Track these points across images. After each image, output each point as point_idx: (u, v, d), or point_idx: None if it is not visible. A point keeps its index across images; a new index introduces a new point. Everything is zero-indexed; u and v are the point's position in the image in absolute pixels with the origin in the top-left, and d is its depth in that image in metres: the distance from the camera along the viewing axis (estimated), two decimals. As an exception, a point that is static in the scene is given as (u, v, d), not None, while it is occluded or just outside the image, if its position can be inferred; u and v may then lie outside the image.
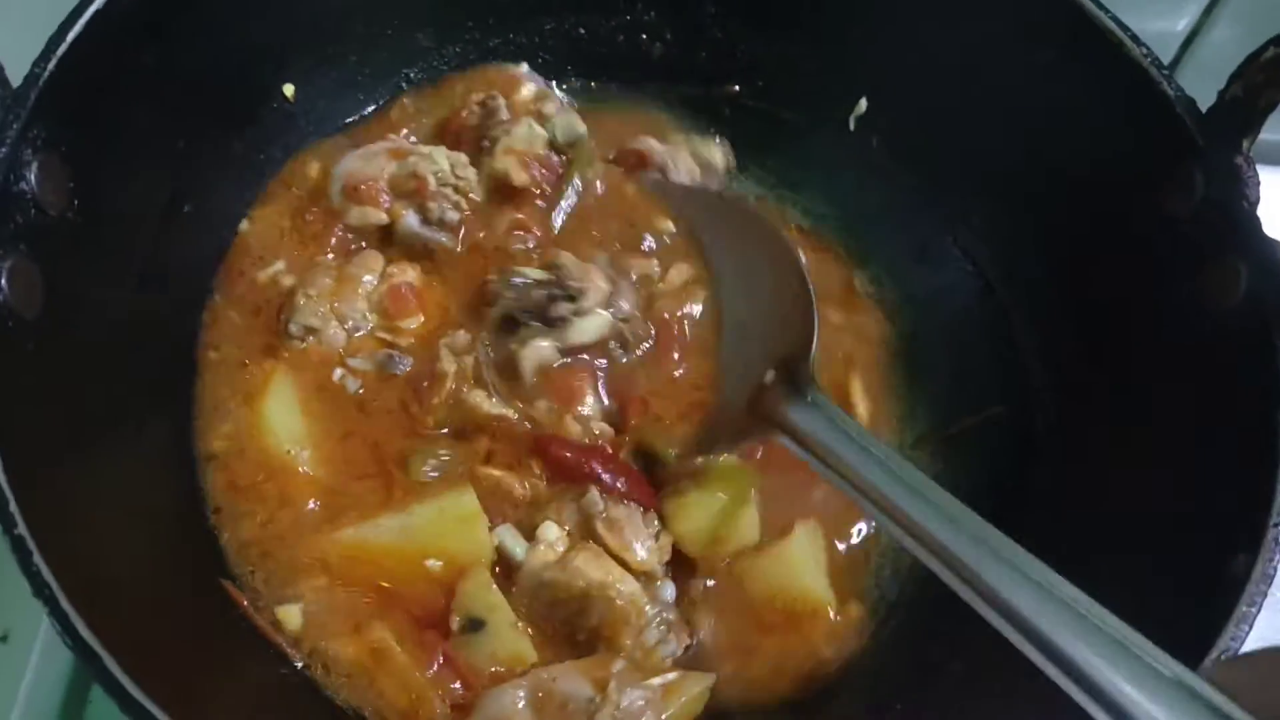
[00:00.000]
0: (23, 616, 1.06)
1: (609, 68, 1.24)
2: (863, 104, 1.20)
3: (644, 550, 0.91)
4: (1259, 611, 0.72)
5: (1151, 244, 0.94)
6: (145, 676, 0.63)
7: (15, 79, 0.79)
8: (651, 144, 1.14)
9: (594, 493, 0.93)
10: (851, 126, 1.21)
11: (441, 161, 1.04)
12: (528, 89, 1.15)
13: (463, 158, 1.07)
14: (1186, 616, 0.74)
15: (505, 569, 0.92)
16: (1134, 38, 0.95)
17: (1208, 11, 1.38)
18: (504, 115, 1.10)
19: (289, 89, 1.09)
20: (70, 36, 0.82)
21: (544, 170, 1.09)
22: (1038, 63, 1.03)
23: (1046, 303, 1.07)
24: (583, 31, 1.21)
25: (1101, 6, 0.97)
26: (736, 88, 1.24)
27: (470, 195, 1.07)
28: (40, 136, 0.78)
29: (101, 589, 0.67)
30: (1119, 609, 0.81)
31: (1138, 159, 0.96)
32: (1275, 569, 0.74)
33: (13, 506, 0.65)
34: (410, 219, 1.04)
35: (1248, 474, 0.78)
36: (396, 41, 1.16)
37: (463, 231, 1.07)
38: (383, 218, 1.03)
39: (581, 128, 1.12)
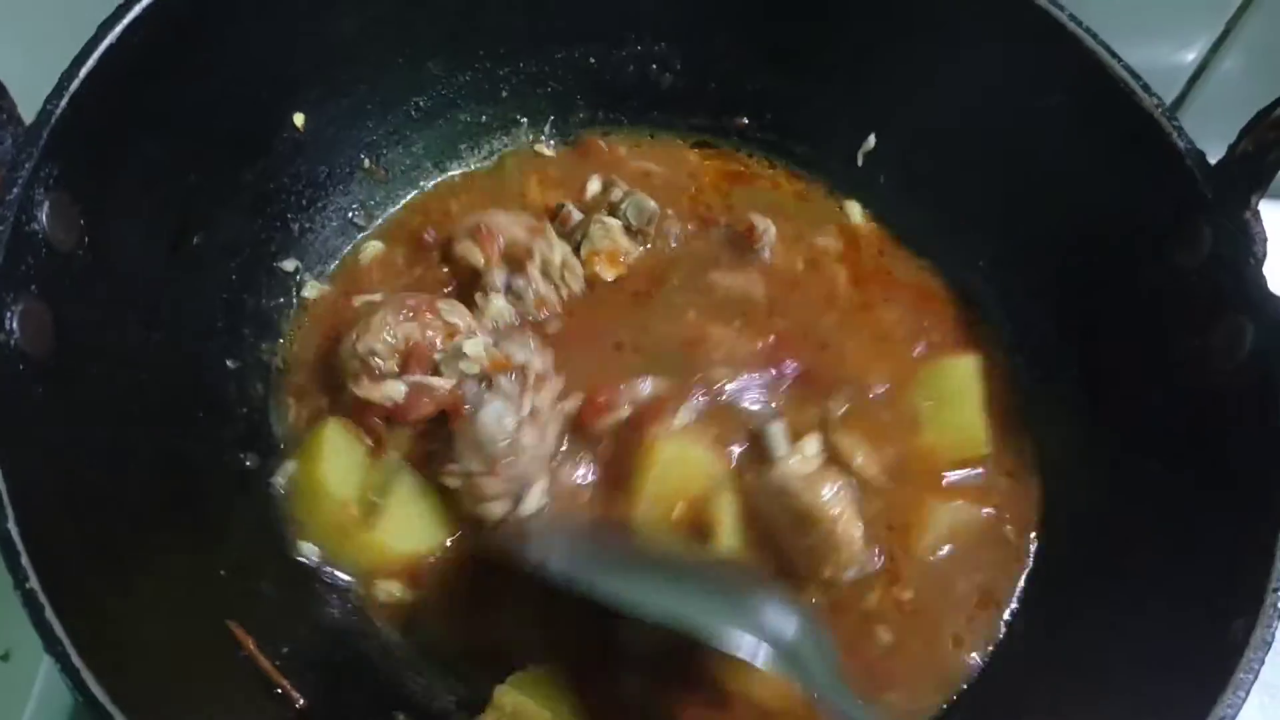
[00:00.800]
0: (25, 635, 1.05)
1: (618, 98, 1.23)
2: (871, 140, 1.20)
3: (864, 458, 1.01)
4: (1255, 678, 0.73)
5: (1158, 296, 0.95)
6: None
7: (26, 115, 0.79)
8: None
9: (840, 398, 1.05)
10: (860, 162, 1.21)
11: (555, 255, 1.08)
12: (593, 185, 1.18)
13: (578, 268, 1.10)
14: (1184, 682, 0.74)
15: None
16: (1145, 87, 0.95)
17: (1217, 45, 1.37)
18: (576, 218, 1.13)
19: (299, 118, 1.08)
20: (83, 72, 0.81)
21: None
22: (1047, 107, 1.03)
23: (1051, 351, 1.07)
24: (593, 61, 1.21)
25: (1113, 54, 0.97)
26: (745, 120, 1.24)
27: (563, 295, 1.10)
28: (52, 175, 0.77)
29: (111, 641, 0.67)
30: (1116, 672, 0.84)
31: (1145, 209, 0.96)
32: (1274, 634, 0.74)
33: (24, 560, 0.65)
34: (498, 276, 1.07)
35: (1247, 536, 0.78)
36: (406, 70, 1.15)
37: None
38: (479, 260, 1.08)
39: (652, 204, 1.14)
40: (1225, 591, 0.77)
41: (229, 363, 1.02)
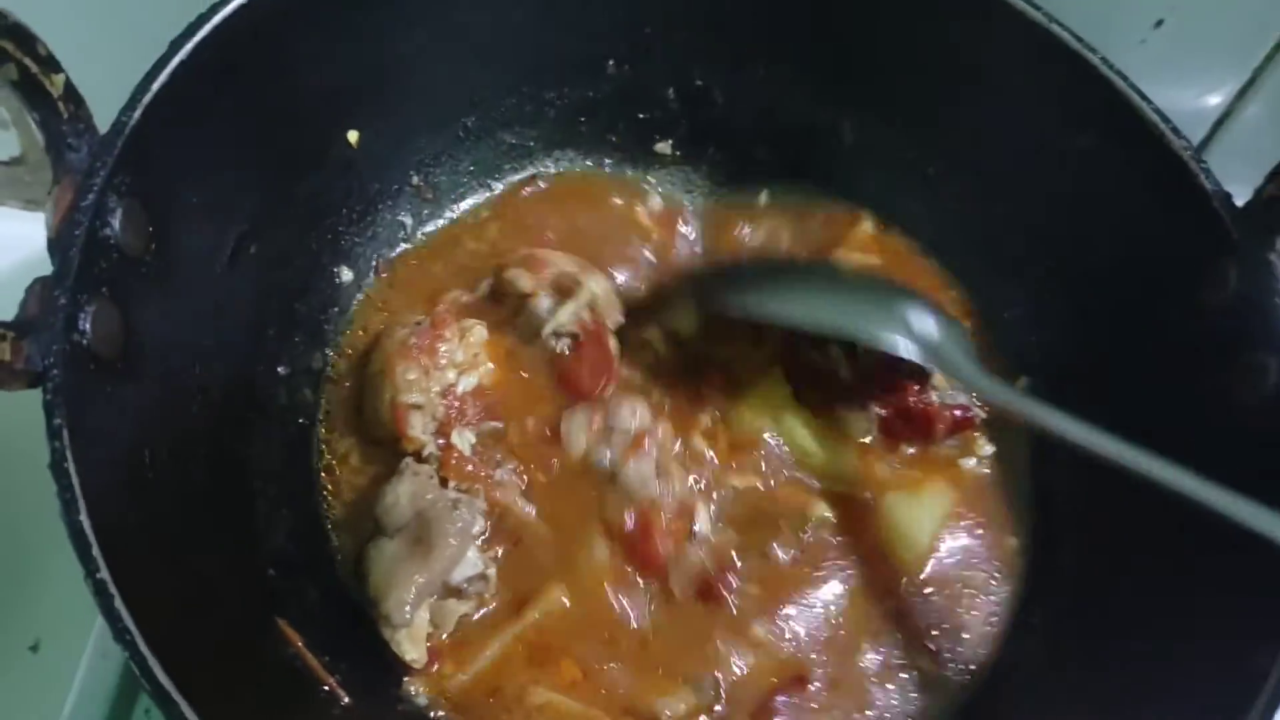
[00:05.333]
0: (53, 626, 1.08)
1: (652, 122, 1.28)
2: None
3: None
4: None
5: (1182, 333, 0.97)
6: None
7: (101, 125, 0.82)
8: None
9: None
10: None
11: (599, 289, 1.12)
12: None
13: (617, 303, 1.14)
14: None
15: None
16: (1174, 130, 0.98)
17: (1244, 90, 1.40)
18: None
19: (353, 135, 1.12)
20: (156, 85, 0.84)
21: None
22: (1079, 147, 1.05)
23: (1072, 385, 1.08)
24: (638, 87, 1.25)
25: (1143, 96, 1.00)
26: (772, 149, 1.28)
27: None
28: (124, 182, 0.81)
29: (172, 632, 0.69)
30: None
31: (1172, 248, 0.98)
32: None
33: (95, 550, 0.68)
34: (544, 301, 1.11)
35: (1272, 575, 0.80)
36: (457, 91, 1.19)
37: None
38: (529, 286, 1.11)
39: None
40: (1242, 631, 0.79)
41: (280, 369, 1.06)
